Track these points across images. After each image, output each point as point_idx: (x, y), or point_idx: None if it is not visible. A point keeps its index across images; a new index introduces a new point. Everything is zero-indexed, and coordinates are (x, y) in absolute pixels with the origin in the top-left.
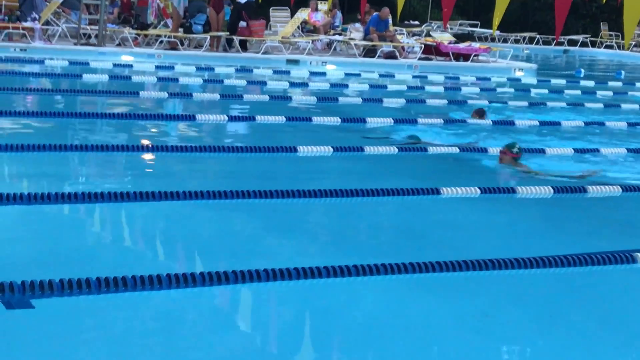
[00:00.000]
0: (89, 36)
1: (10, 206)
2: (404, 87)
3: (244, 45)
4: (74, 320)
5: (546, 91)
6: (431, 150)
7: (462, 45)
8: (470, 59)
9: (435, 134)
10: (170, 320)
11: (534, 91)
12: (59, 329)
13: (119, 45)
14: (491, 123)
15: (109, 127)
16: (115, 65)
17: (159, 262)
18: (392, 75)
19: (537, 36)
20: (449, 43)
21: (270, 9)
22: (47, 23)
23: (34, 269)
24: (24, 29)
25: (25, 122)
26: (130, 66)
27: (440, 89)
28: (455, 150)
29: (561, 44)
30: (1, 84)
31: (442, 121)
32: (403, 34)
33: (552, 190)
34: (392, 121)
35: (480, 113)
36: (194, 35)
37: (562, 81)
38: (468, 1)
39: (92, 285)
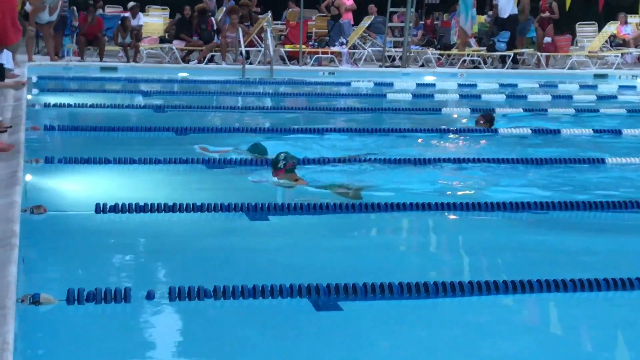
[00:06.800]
0: (394, 58)
1: (299, 216)
2: None
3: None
4: (376, 323)
5: None
6: None
7: None
8: None
9: None
10: (468, 328)
11: None
12: (363, 331)
13: (422, 66)
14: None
15: (412, 142)
16: (418, 85)
17: (460, 270)
18: None
19: None
20: None
21: (577, 24)
22: (353, 47)
23: (342, 273)
24: (332, 53)
25: (331, 137)
26: (433, 85)
27: None
28: None
29: None
30: (313, 104)
31: None
32: None
33: None
34: None
35: (487, 119)
36: (496, 53)
37: None
38: None
39: (394, 290)
